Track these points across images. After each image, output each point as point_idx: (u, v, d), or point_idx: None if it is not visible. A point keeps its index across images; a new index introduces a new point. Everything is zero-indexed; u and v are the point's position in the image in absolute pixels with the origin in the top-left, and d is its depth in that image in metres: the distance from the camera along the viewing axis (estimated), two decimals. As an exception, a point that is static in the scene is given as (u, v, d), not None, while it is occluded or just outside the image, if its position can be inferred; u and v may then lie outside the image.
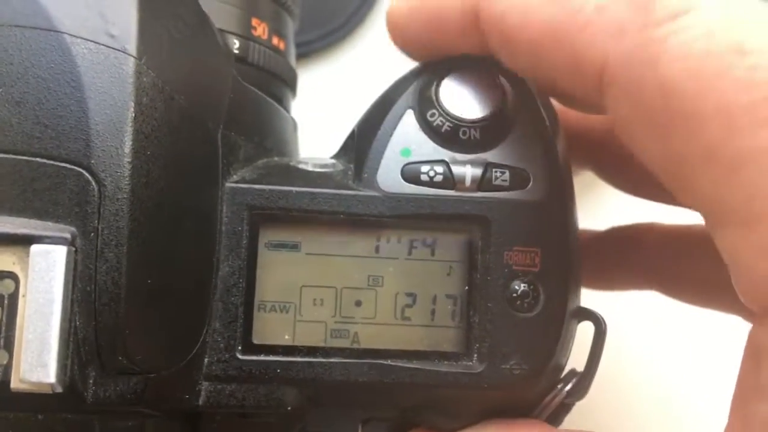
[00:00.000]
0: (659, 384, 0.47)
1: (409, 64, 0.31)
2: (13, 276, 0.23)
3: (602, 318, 0.30)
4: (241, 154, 0.29)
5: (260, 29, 0.33)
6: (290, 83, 0.35)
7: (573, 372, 0.31)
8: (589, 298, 0.31)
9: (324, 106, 0.46)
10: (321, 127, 0.41)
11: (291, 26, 0.36)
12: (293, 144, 0.35)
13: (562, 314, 0.29)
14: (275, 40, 0.34)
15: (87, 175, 0.23)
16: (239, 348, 0.27)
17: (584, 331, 0.30)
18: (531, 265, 0.28)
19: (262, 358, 0.27)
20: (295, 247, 0.28)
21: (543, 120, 0.29)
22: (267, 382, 0.27)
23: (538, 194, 0.29)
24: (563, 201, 0.29)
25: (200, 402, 0.27)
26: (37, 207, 0.23)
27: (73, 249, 0.23)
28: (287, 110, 0.35)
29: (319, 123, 0.42)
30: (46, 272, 0.22)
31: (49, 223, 0.23)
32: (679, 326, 0.48)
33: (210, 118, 0.27)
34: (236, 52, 0.32)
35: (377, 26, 0.50)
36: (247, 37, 0.32)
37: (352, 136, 0.31)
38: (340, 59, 0.50)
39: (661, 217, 0.38)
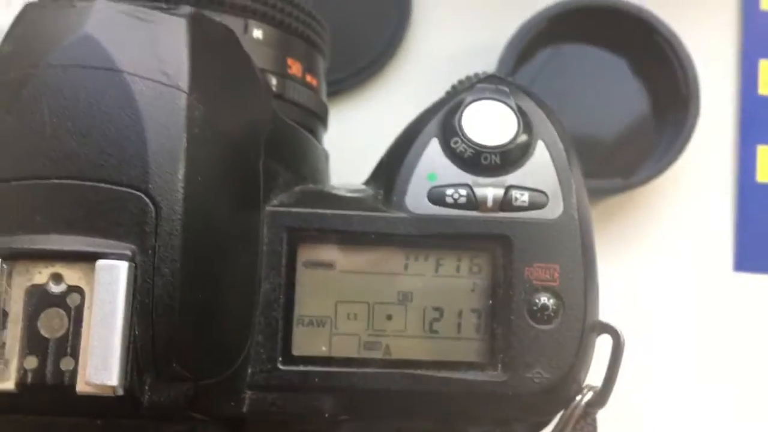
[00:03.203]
0: (682, 403, 0.48)
1: (432, 101, 0.34)
2: (79, 290, 0.25)
3: (620, 331, 0.32)
4: (280, 181, 0.31)
5: (295, 68, 0.36)
6: (322, 117, 0.38)
7: (590, 386, 0.32)
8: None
9: (353, 140, 0.48)
10: (350, 160, 0.43)
11: (322, 65, 0.39)
12: (325, 173, 0.37)
13: (581, 325, 0.30)
14: (308, 78, 0.36)
15: (145, 198, 0.25)
16: (280, 359, 0.29)
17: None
18: (550, 279, 0.30)
19: (301, 368, 0.30)
20: (330, 265, 0.31)
21: (558, 144, 0.31)
22: (306, 391, 0.29)
23: (555, 213, 0.31)
24: (579, 219, 0.31)
25: (245, 409, 0.29)
26: (101, 227, 0.25)
27: (134, 265, 0.25)
28: (320, 142, 0.38)
29: (348, 157, 0.45)
30: (110, 284, 0.24)
31: (112, 242, 0.25)
32: (696, 343, 0.49)
33: (252, 147, 0.29)
34: (274, 89, 0.34)
35: (403, 66, 0.52)
36: (283, 75, 0.35)
37: (380, 164, 0.34)
38: (369, 97, 0.52)
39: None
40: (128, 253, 0.25)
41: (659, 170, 0.48)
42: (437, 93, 0.34)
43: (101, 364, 0.24)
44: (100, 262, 0.25)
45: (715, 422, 0.48)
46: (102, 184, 0.25)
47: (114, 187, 0.25)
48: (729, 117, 0.52)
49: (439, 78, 0.41)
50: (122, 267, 0.25)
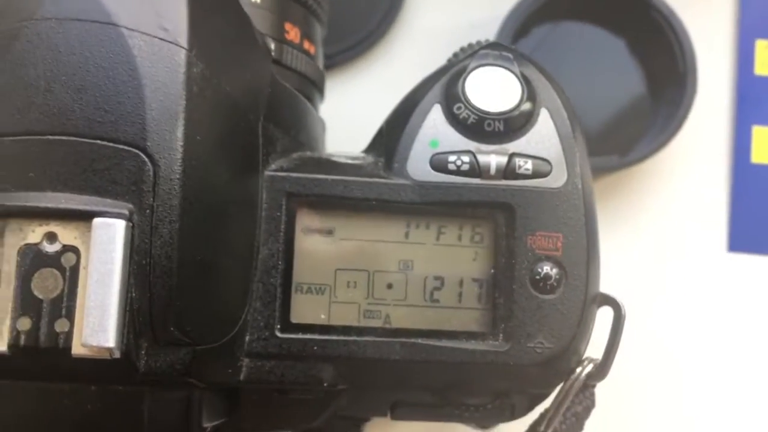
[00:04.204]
0: (677, 383, 0.48)
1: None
2: (74, 250, 0.24)
3: (621, 303, 0.31)
4: (279, 145, 0.31)
5: (292, 33, 0.35)
6: (319, 85, 0.37)
7: (591, 358, 0.32)
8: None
9: (349, 115, 0.47)
10: (346, 134, 0.42)
11: (320, 32, 0.38)
12: (322, 142, 0.37)
13: (583, 296, 0.30)
14: (306, 44, 0.36)
15: (143, 156, 0.25)
16: (278, 327, 0.29)
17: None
18: (553, 249, 0.30)
19: (299, 336, 0.29)
20: (329, 232, 0.30)
21: (562, 112, 0.31)
22: (304, 359, 0.29)
23: (559, 182, 0.30)
24: (583, 189, 0.31)
25: (241, 377, 0.28)
26: (97, 185, 0.24)
27: (131, 224, 0.24)
28: (316, 110, 0.37)
29: (344, 130, 0.44)
30: (107, 244, 0.24)
31: (108, 200, 0.24)
32: (689, 323, 0.49)
33: (251, 110, 0.29)
34: (272, 54, 0.33)
35: (398, 40, 0.52)
36: (281, 40, 0.34)
37: (380, 132, 0.33)
38: (363, 72, 0.51)
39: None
40: (125, 212, 0.24)
41: (655, 149, 0.48)
42: (432, 68, 0.34)
43: (98, 326, 0.23)
44: (97, 221, 0.24)
45: (710, 399, 0.48)
46: (98, 141, 0.25)
47: (111, 144, 0.25)
48: (725, 97, 0.51)
49: (434, 53, 0.40)
50: (119, 226, 0.24)
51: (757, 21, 0.52)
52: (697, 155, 0.51)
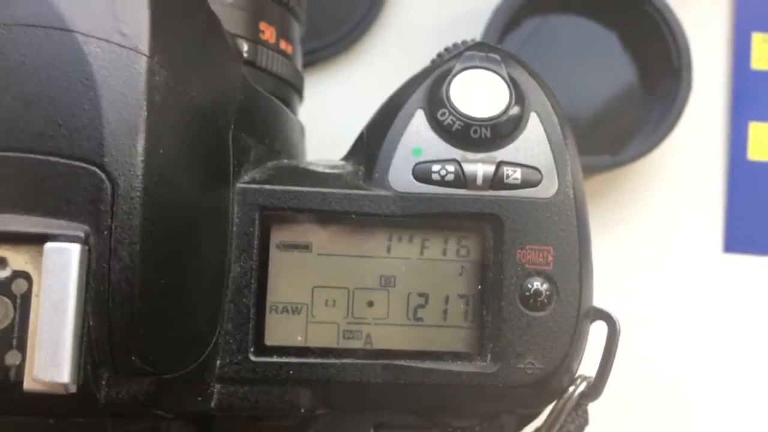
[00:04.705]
0: (671, 385, 0.47)
1: (414, 73, 0.31)
2: (26, 276, 0.22)
3: (616, 318, 0.30)
4: (252, 155, 0.29)
5: (268, 33, 0.33)
6: (297, 87, 0.35)
7: (584, 376, 0.30)
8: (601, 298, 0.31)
9: (329, 115, 0.46)
10: (327, 135, 0.41)
11: (298, 30, 0.36)
12: (301, 148, 0.35)
13: (575, 312, 0.28)
14: (283, 44, 0.34)
15: (100, 173, 0.23)
16: (252, 350, 0.27)
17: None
18: (544, 263, 0.28)
19: (274, 359, 0.27)
20: (306, 247, 0.28)
21: (553, 117, 0.29)
22: (280, 383, 0.27)
23: (549, 192, 0.29)
24: (575, 198, 0.29)
25: (213, 404, 0.27)
26: (50, 205, 0.22)
27: (87, 248, 0.22)
28: (295, 114, 0.35)
29: (324, 131, 0.42)
30: (60, 270, 0.22)
31: (63, 222, 0.22)
32: (694, 317, 0.48)
33: (221, 118, 0.27)
34: (245, 55, 0.32)
35: (382, 36, 0.50)
36: (255, 40, 0.32)
37: (361, 138, 0.31)
38: (346, 69, 0.50)
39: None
40: (81, 234, 0.22)
41: (649, 147, 0.46)
42: (418, 65, 0.32)
43: (50, 359, 0.22)
44: (49, 245, 0.22)
45: (707, 404, 0.47)
46: (51, 158, 0.23)
47: (65, 161, 0.23)
48: (721, 92, 0.50)
49: (420, 49, 0.39)
50: (74, 250, 0.22)
51: (753, 13, 0.50)
52: (692, 153, 0.49)
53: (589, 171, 0.46)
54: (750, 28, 0.50)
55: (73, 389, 0.22)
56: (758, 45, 0.50)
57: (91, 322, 0.23)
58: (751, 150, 0.49)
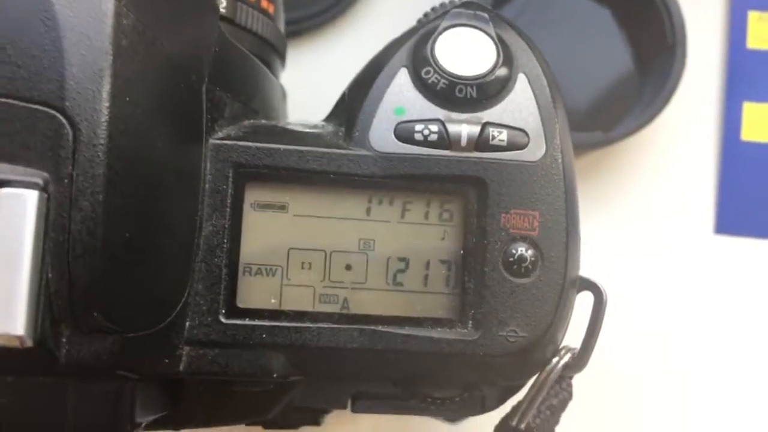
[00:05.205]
0: (661, 365, 0.46)
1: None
2: (-21, 224, 0.21)
3: (603, 288, 0.29)
4: (227, 111, 0.28)
5: (248, -11, 0.32)
6: (279, 49, 0.34)
7: (568, 347, 0.29)
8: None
9: (316, 84, 0.44)
10: (314, 106, 0.40)
11: (281, -10, 0.35)
12: (282, 111, 0.34)
13: (561, 280, 0.27)
14: (264, 3, 0.33)
15: (61, 117, 0.21)
16: (223, 311, 0.26)
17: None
18: (529, 228, 0.27)
19: (246, 322, 0.26)
20: (282, 207, 0.27)
21: (542, 79, 0.28)
22: (252, 347, 0.26)
23: (536, 155, 0.28)
24: (563, 163, 0.28)
25: (181, 367, 0.26)
26: (7, 150, 0.21)
27: (45, 195, 0.21)
28: (276, 77, 0.34)
29: (311, 102, 0.41)
30: (15, 217, 0.21)
31: (20, 168, 0.21)
32: (683, 299, 0.47)
33: (193, 70, 0.26)
34: (223, 11, 0.30)
35: (370, 5, 0.49)
36: (235, -4, 0.31)
37: (342, 99, 0.30)
38: (331, 40, 0.48)
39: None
40: (38, 181, 0.21)
41: (641, 124, 0.45)
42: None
43: (4, 311, 0.20)
44: (4, 191, 0.21)
45: (696, 387, 0.46)
46: (9, 100, 0.21)
47: (23, 104, 0.21)
48: (715, 71, 0.49)
49: (410, 21, 0.37)
50: (30, 197, 0.21)
51: (749, -9, 0.49)
52: (684, 132, 0.48)
53: (581, 148, 0.45)
54: (746, 6, 0.49)
55: (29, 343, 0.21)
56: (754, 24, 0.49)
57: (50, 275, 0.21)
58: (745, 130, 0.48)
